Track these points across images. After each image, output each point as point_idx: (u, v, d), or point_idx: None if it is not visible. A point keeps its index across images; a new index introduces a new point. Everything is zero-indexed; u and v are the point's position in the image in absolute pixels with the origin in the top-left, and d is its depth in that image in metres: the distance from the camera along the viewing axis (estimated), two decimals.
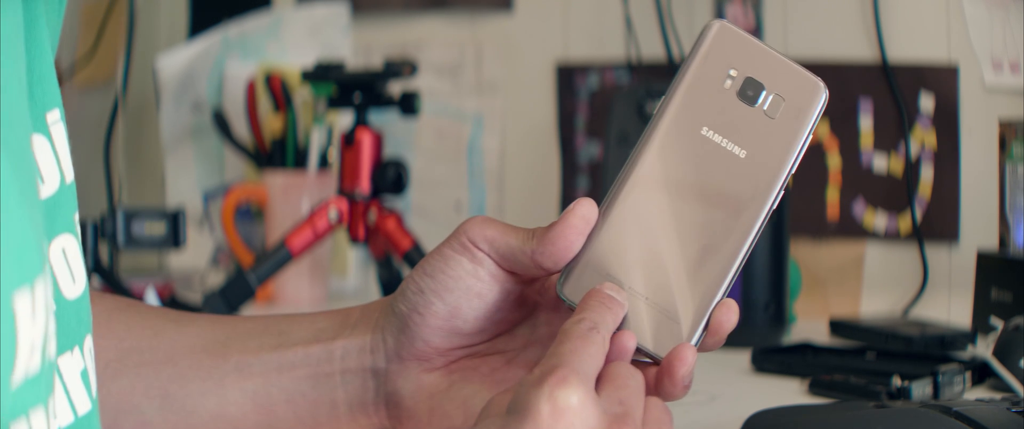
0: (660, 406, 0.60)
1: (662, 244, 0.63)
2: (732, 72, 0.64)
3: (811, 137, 0.63)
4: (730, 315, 0.63)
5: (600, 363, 0.59)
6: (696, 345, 0.62)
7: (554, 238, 0.63)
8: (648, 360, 0.63)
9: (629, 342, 0.62)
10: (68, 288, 0.56)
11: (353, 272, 1.79)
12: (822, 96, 0.63)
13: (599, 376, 0.59)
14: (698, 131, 0.63)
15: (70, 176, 0.57)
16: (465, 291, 0.66)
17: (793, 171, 0.63)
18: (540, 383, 0.56)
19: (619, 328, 0.62)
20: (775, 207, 0.63)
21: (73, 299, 0.57)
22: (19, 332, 0.46)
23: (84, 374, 0.57)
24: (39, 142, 0.55)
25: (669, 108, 0.64)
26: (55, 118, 0.56)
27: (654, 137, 0.64)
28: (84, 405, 0.57)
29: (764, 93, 0.64)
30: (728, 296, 0.63)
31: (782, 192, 0.63)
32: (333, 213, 1.51)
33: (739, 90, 0.64)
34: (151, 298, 1.48)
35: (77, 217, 0.58)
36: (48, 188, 0.55)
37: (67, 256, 0.56)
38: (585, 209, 0.64)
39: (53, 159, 0.56)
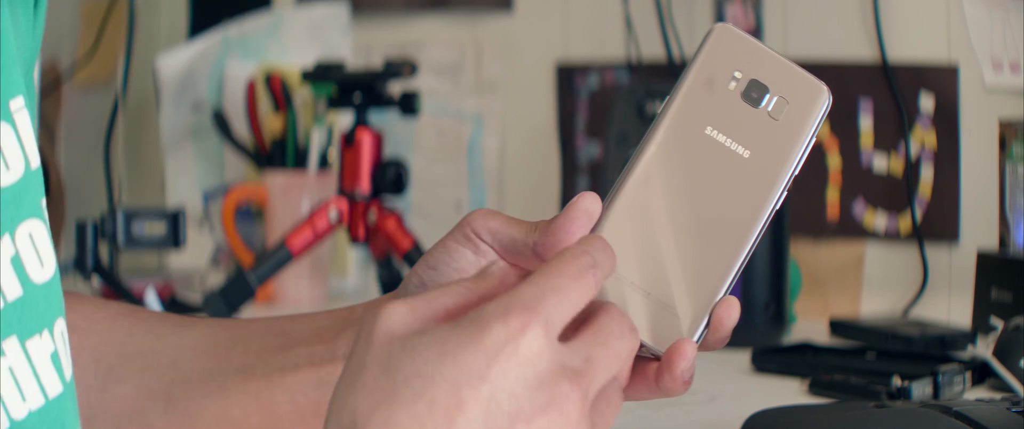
0: (615, 385, 0.57)
1: (664, 240, 0.63)
2: (737, 74, 0.64)
3: (814, 140, 0.63)
4: (732, 312, 0.63)
5: (580, 309, 0.56)
6: (697, 341, 0.62)
7: (556, 230, 0.63)
8: (648, 356, 0.63)
9: None
10: (36, 272, 0.57)
11: (353, 272, 1.79)
12: (826, 99, 0.64)
13: (585, 318, 0.56)
14: (702, 130, 0.64)
15: (35, 162, 0.57)
16: None
17: (796, 172, 0.63)
18: (506, 316, 0.53)
19: None
20: (777, 207, 0.63)
21: (42, 283, 0.57)
22: None
23: (54, 357, 0.57)
24: (3, 129, 0.55)
25: (673, 106, 0.64)
26: (19, 105, 0.57)
27: (658, 134, 0.64)
28: (55, 388, 0.57)
29: (768, 95, 0.64)
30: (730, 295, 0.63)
31: (785, 193, 0.63)
32: (333, 213, 1.51)
33: (743, 91, 0.64)
34: (151, 298, 1.48)
35: (44, 202, 0.58)
36: (12, 174, 0.56)
37: (34, 240, 0.57)
38: (588, 202, 0.63)
39: (17, 146, 0.56)
